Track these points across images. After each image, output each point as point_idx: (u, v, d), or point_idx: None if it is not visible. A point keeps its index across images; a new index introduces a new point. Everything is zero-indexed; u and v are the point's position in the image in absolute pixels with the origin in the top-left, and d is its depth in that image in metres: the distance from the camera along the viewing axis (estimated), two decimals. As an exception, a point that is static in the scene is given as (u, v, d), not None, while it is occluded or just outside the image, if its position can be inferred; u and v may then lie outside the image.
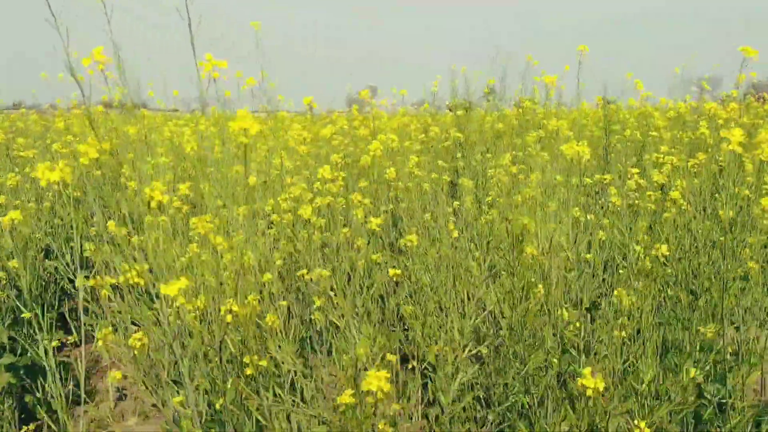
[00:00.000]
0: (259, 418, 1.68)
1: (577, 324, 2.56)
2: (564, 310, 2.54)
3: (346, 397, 1.49)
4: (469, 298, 2.20)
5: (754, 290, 2.95)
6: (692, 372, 2.32)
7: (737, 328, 3.04)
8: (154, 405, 4.21)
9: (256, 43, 2.37)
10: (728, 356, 2.93)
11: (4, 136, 5.41)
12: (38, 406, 3.72)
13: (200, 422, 1.71)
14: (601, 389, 1.59)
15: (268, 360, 1.74)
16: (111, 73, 1.95)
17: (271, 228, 3.10)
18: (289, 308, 2.66)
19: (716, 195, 3.05)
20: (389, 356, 1.56)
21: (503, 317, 2.40)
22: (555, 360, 2.31)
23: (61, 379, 3.77)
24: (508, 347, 2.32)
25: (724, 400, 2.95)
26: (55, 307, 5.05)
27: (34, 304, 4.42)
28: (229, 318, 1.63)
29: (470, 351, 2.11)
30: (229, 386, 1.64)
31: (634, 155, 4.85)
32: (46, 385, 3.88)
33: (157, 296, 1.92)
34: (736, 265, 2.80)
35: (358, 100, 8.15)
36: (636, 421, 1.76)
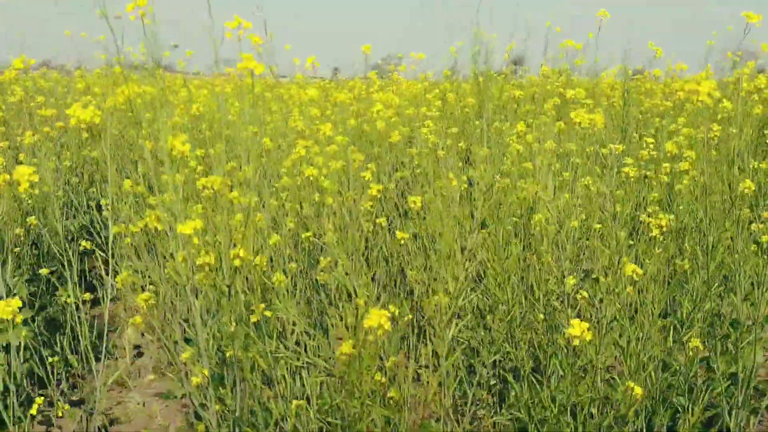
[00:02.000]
0: (262, 364, 1.72)
1: (584, 293, 2.57)
2: (570, 277, 2.55)
3: (347, 347, 1.54)
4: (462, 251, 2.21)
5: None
6: (695, 342, 2.32)
7: (752, 304, 3.02)
8: (170, 363, 4.31)
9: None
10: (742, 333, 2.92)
11: (23, 95, 5.47)
12: (57, 362, 3.82)
13: (209, 368, 1.76)
14: (588, 339, 1.61)
15: (273, 313, 1.78)
16: (149, 20, 1.95)
17: (283, 191, 3.13)
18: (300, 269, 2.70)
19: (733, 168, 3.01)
20: (392, 308, 1.59)
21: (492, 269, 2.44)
22: (541, 315, 2.34)
23: (79, 335, 3.87)
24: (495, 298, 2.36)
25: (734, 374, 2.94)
26: (75, 266, 5.16)
27: (53, 262, 4.52)
28: (237, 262, 1.67)
29: (465, 299, 2.13)
30: (238, 329, 1.68)
31: (654, 127, 4.77)
32: (65, 341, 4.00)
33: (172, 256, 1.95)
34: (748, 239, 2.77)
35: (380, 65, 8.09)
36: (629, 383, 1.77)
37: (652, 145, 3.33)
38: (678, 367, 2.71)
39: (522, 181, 2.82)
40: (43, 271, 4.19)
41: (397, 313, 1.50)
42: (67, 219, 5.21)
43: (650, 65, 5.72)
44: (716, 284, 2.71)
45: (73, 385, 4.06)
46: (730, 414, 2.81)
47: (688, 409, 2.59)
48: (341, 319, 1.68)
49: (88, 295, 4.10)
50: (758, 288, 2.71)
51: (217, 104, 5.30)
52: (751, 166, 2.96)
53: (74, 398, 3.86)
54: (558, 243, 2.50)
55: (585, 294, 2.53)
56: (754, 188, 2.48)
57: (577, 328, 1.63)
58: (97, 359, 4.02)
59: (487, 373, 2.56)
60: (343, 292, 2.04)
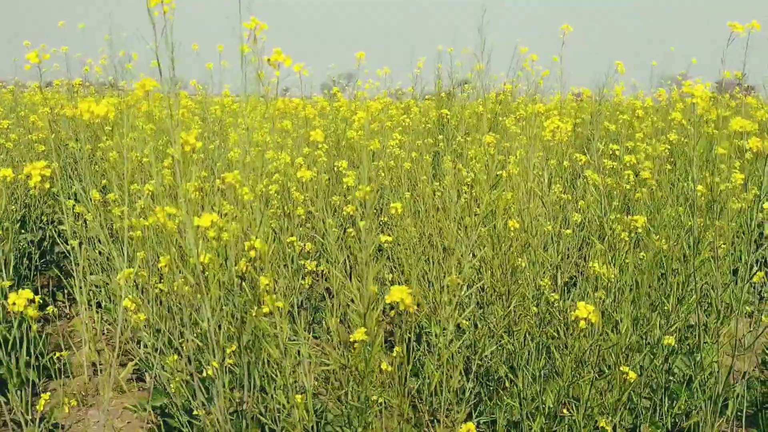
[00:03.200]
0: (271, 350, 1.72)
1: (556, 296, 2.65)
2: (545, 280, 2.62)
3: (360, 334, 1.55)
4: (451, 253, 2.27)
5: (723, 274, 3.06)
6: (667, 340, 2.42)
7: (706, 313, 3.15)
8: (129, 379, 4.20)
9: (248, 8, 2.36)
10: (700, 337, 3.04)
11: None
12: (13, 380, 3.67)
13: (222, 369, 1.74)
14: (594, 321, 1.66)
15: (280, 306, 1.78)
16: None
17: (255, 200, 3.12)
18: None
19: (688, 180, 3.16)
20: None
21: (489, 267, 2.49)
22: (534, 307, 2.40)
23: (35, 352, 3.74)
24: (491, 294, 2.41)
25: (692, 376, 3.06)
26: (30, 280, 5.00)
27: (7, 275, 4.37)
28: (252, 253, 1.67)
29: (465, 294, 2.18)
30: (252, 316, 1.67)
31: (614, 142, 4.95)
32: (20, 360, 3.84)
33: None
34: (705, 248, 2.90)
35: (339, 83, 8.13)
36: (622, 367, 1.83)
37: (615, 155, 3.47)
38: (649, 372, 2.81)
39: (497, 190, 2.90)
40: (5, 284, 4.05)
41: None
42: (21, 233, 5.06)
43: (606, 84, 5.96)
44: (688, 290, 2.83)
45: (30, 402, 3.91)
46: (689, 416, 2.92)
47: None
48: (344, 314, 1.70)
49: (50, 309, 3.99)
50: (714, 293, 2.84)
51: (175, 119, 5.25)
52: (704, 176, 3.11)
53: (29, 417, 3.71)
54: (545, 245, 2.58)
55: (556, 296, 2.61)
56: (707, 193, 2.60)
57: (584, 310, 1.68)
58: (54, 377, 3.90)
59: (479, 366, 2.60)
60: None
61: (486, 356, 2.55)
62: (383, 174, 4.23)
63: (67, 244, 3.60)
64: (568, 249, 3.00)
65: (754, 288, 3.93)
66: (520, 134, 3.61)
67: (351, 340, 1.55)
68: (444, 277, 2.14)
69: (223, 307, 1.72)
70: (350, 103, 5.97)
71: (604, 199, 2.81)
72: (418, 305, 1.58)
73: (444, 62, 5.91)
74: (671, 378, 3.10)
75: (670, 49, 6.42)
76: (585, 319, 1.65)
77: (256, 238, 1.71)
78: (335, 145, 5.23)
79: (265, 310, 1.66)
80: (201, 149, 4.35)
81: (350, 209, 2.36)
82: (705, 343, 2.66)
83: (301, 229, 3.54)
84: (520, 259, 2.64)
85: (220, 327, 1.67)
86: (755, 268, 2.69)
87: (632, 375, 1.86)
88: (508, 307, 2.36)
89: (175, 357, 2.24)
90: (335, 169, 3.55)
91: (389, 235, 2.65)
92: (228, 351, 1.83)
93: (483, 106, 4.39)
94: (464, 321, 2.75)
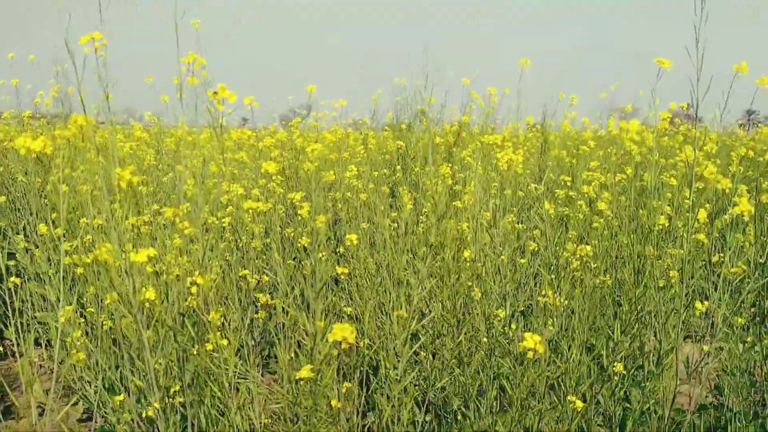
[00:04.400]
0: (216, 390, 1.66)
1: (513, 326, 2.65)
2: (499, 310, 2.63)
3: (306, 372, 1.51)
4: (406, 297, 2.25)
5: (675, 300, 3.12)
6: (618, 366, 2.43)
7: (659, 342, 3.20)
8: (79, 420, 4.05)
9: (197, 43, 2.35)
10: (651, 365, 3.07)
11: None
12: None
13: (165, 410, 1.68)
14: (541, 351, 1.66)
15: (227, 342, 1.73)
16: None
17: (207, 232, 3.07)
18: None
19: (641, 209, 3.22)
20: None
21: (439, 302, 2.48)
22: (485, 339, 2.40)
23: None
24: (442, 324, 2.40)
25: (646, 405, 3.09)
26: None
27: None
28: (194, 290, 1.62)
29: (413, 329, 2.16)
30: (194, 354, 1.62)
31: (567, 173, 5.06)
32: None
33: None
34: (658, 275, 2.95)
35: (296, 114, 8.14)
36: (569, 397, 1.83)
37: (568, 185, 3.54)
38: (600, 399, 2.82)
39: (449, 221, 2.91)
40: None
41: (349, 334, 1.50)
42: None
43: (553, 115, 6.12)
44: (634, 316, 2.86)
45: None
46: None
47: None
48: (299, 345, 1.66)
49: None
50: (666, 320, 2.88)
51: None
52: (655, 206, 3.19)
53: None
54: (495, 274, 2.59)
55: (513, 326, 2.62)
56: (666, 224, 2.66)
57: (530, 341, 1.68)
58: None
59: (435, 396, 2.57)
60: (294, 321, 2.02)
61: (438, 389, 2.53)
62: (340, 205, 4.22)
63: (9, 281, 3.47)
64: (524, 278, 3.02)
65: (706, 314, 4.01)
66: (475, 165, 3.66)
67: (297, 378, 1.52)
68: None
69: (164, 346, 1.67)
70: (304, 134, 5.98)
71: (556, 229, 2.85)
72: (371, 339, 1.56)
73: (400, 94, 5.99)
74: (628, 405, 3.12)
75: (613, 86, 6.67)
76: (532, 349, 1.66)
77: (199, 273, 1.67)
78: (294, 176, 5.20)
79: (209, 347, 1.61)
80: (155, 181, 4.27)
81: (305, 241, 2.34)
82: (650, 371, 2.69)
83: (257, 261, 3.49)
84: (476, 289, 2.65)
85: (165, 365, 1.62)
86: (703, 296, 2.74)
87: (579, 404, 1.87)
88: (458, 338, 2.36)
89: (123, 396, 2.15)
90: (290, 201, 3.53)
91: (346, 267, 2.63)
92: (171, 390, 1.77)
93: (439, 137, 4.44)
94: (422, 352, 2.73)
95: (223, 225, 2.86)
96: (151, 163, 4.84)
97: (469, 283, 2.45)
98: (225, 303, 2.34)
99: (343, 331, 1.46)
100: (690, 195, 2.59)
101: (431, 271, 2.28)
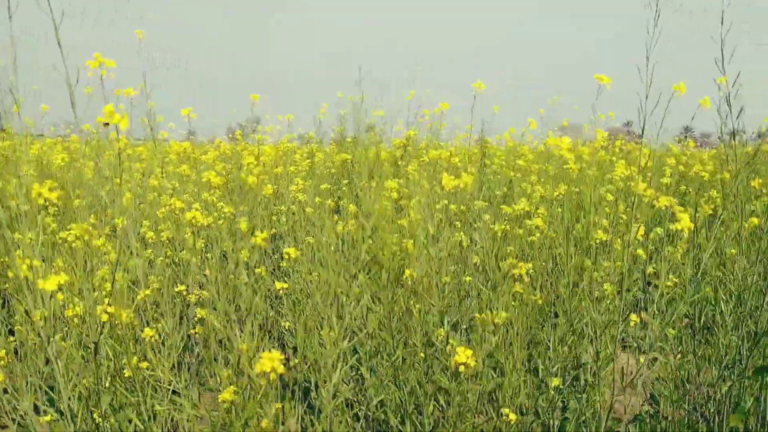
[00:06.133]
0: (137, 422, 1.61)
1: (453, 342, 2.67)
2: (440, 329, 2.64)
3: (228, 394, 1.49)
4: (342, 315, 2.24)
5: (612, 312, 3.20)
6: (555, 381, 2.48)
7: (597, 352, 3.27)
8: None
9: (138, 51, 2.31)
10: (589, 375, 3.14)
11: None
12: None
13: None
14: (472, 365, 1.68)
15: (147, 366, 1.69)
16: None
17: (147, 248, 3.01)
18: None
19: (577, 223, 3.31)
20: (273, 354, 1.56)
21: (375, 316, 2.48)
22: (422, 354, 2.41)
23: None
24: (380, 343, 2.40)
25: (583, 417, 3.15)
26: None
27: None
28: (105, 317, 1.57)
29: (348, 345, 2.15)
30: (107, 386, 1.57)
31: (506, 186, 5.16)
32: None
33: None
34: (594, 287, 3.03)
35: (242, 126, 8.06)
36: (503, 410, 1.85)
37: (509, 201, 3.61)
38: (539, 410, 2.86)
39: (391, 236, 2.92)
40: None
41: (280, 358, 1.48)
42: None
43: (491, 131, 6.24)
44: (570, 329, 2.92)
45: None
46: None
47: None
48: (226, 364, 1.63)
49: None
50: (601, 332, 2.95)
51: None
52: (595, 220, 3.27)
53: None
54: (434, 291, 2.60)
55: (454, 342, 2.63)
56: (604, 238, 2.73)
57: (462, 356, 1.69)
58: None
59: (373, 413, 2.56)
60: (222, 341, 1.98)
61: (376, 405, 2.53)
62: (284, 219, 4.19)
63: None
64: (464, 293, 3.06)
65: (640, 324, 4.13)
66: (420, 180, 3.69)
67: (219, 400, 1.50)
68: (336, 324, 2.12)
69: (78, 375, 1.62)
70: (247, 146, 5.92)
71: (496, 242, 2.90)
72: (305, 360, 1.54)
73: (347, 107, 5.99)
74: (567, 416, 3.18)
75: (551, 100, 6.86)
76: (464, 363, 1.68)
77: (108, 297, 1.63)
78: (238, 190, 5.13)
79: (127, 374, 1.57)
80: (93, 194, 4.14)
81: (245, 255, 2.31)
82: (585, 380, 2.76)
83: (198, 276, 3.42)
84: (418, 306, 2.66)
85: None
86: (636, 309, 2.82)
87: (513, 416, 1.89)
88: (393, 355, 2.36)
89: (51, 417, 2.06)
90: (231, 215, 3.48)
91: (286, 283, 2.61)
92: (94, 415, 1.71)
93: (385, 152, 4.47)
94: (364, 368, 2.73)
95: (161, 239, 2.80)
96: (89, 177, 4.70)
97: (410, 300, 2.46)
98: (161, 318, 2.29)
99: (271, 361, 1.45)
100: (625, 209, 2.66)
101: (366, 288, 2.29)
